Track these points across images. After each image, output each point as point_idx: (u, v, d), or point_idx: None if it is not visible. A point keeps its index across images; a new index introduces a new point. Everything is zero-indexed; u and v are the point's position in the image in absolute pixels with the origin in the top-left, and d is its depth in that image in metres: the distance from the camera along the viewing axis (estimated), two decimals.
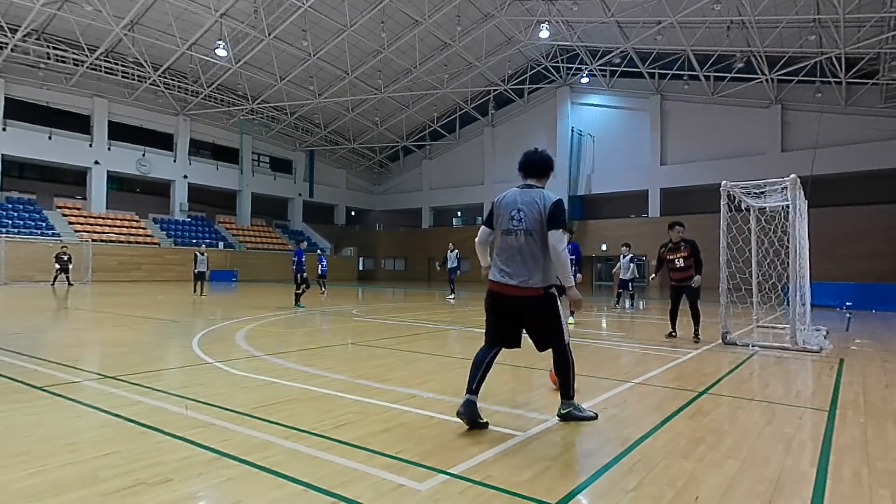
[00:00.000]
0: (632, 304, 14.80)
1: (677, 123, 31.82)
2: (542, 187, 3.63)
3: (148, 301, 14.74)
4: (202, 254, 18.18)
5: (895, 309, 14.56)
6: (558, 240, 3.36)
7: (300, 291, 13.79)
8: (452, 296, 17.62)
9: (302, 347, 7.04)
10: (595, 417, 3.67)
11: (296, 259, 13.94)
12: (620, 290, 14.96)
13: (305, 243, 15.65)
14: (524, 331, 3.60)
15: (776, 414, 3.98)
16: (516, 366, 5.86)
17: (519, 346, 3.63)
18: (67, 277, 21.92)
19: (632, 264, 14.67)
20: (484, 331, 3.65)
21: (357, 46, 29.99)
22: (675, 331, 8.35)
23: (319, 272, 18.47)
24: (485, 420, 3.45)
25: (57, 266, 21.75)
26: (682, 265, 8.20)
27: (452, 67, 33.22)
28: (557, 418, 3.62)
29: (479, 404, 4.06)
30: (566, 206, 4.03)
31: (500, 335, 3.59)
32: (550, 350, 3.65)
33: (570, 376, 3.65)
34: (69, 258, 22.12)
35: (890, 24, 21.57)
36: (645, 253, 32.59)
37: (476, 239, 3.79)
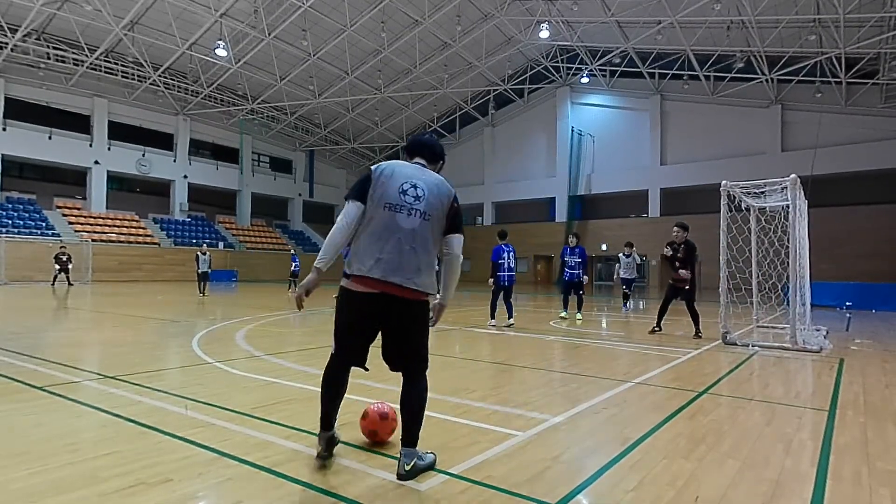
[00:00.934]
0: (625, 305, 14.23)
1: (677, 123, 31.83)
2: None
3: (148, 301, 14.74)
4: (204, 254, 18.13)
5: (895, 309, 14.56)
6: (460, 247, 2.79)
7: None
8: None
9: (301, 347, 7.04)
10: (435, 459, 2.78)
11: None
12: (627, 291, 14.42)
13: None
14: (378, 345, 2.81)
15: (776, 414, 3.98)
16: (516, 366, 5.85)
17: (366, 367, 2.81)
18: (67, 277, 21.87)
19: (639, 262, 14.52)
20: (335, 343, 2.79)
21: (357, 46, 29.98)
22: (659, 327, 8.77)
23: (292, 270, 18.87)
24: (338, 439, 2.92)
25: (56, 266, 21.72)
26: (678, 287, 8.59)
27: (452, 67, 33.21)
28: (398, 479, 2.58)
29: (480, 405, 4.07)
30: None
31: (357, 350, 2.76)
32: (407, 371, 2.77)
33: (422, 416, 2.72)
34: (68, 258, 22.08)
35: (890, 24, 21.56)
36: (645, 253, 32.59)
37: (342, 220, 2.68)
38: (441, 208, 2.72)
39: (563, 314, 11.26)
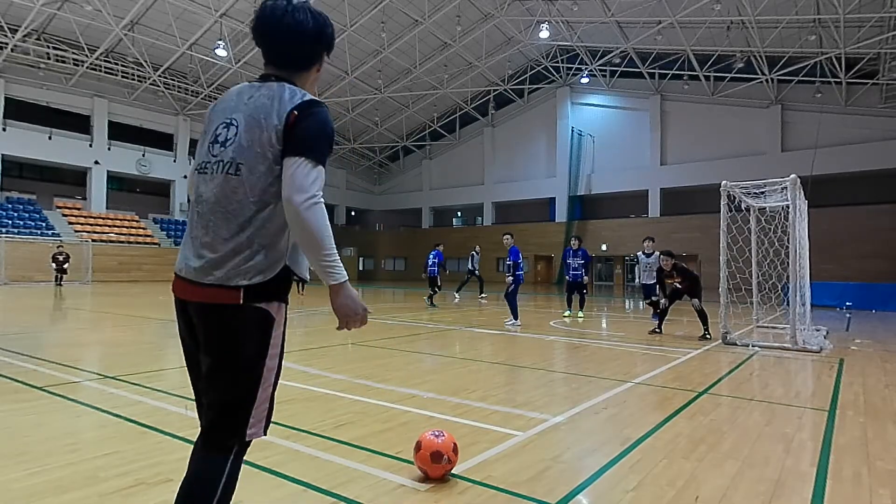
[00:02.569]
0: (655, 317, 10.11)
1: (677, 123, 31.84)
2: (295, 84, 1.70)
3: (148, 301, 14.73)
4: None
5: (895, 309, 14.56)
6: (299, 182, 1.52)
7: (433, 292, 14.55)
8: (457, 298, 16.95)
9: (302, 347, 7.03)
10: None
11: (435, 261, 14.59)
12: (655, 298, 10.10)
13: (442, 245, 15.64)
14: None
15: (776, 414, 3.98)
16: (516, 366, 5.85)
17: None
18: (61, 278, 21.74)
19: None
20: None
21: (357, 46, 29.98)
22: (659, 328, 8.76)
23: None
24: None
25: (53, 266, 21.60)
26: (680, 289, 8.67)
27: (452, 67, 33.22)
28: None
29: (480, 405, 4.07)
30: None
31: (196, 390, 1.90)
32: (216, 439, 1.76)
33: None
34: (66, 258, 21.93)
35: (890, 24, 21.57)
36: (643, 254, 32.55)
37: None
38: (262, 133, 1.58)
39: (566, 314, 11.56)
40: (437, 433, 2.63)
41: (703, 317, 8.22)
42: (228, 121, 1.67)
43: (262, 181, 1.57)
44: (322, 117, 1.61)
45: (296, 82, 1.70)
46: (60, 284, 21.74)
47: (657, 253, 10.73)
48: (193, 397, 1.90)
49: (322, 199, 1.55)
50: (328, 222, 1.56)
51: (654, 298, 10.56)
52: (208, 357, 1.66)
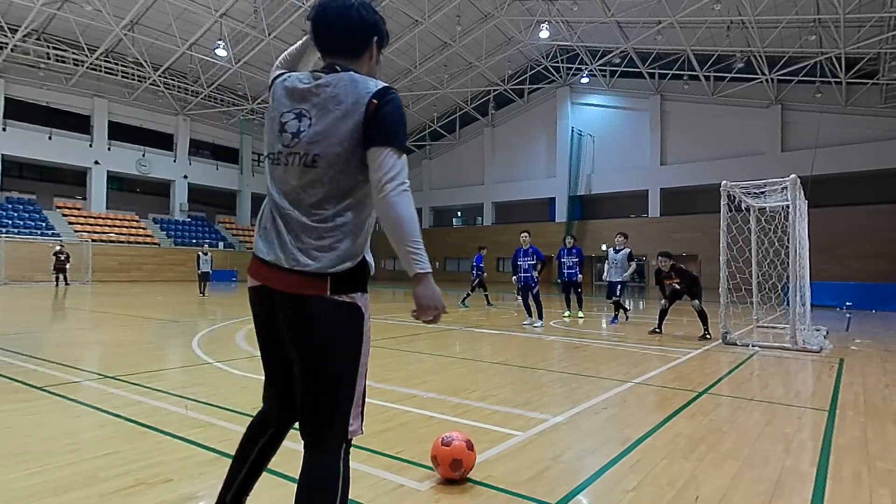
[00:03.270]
0: (615, 319, 10.71)
1: (677, 123, 31.83)
2: (358, 72, 1.71)
3: (148, 301, 14.73)
4: (205, 254, 17.95)
5: (895, 309, 14.56)
6: (390, 170, 1.54)
7: (470, 294, 14.84)
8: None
9: None
10: None
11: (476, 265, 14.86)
12: (617, 297, 10.67)
13: (486, 249, 15.63)
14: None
15: (776, 414, 3.98)
16: (516, 366, 5.85)
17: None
18: (65, 278, 21.44)
19: (632, 263, 10.83)
20: None
21: None
22: (659, 328, 8.76)
23: None
24: None
25: (53, 265, 21.32)
26: (679, 289, 8.69)
27: (452, 67, 33.22)
28: None
29: (480, 405, 4.07)
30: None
31: (272, 385, 1.84)
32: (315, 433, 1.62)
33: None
34: (66, 257, 21.69)
35: (890, 24, 21.57)
36: (645, 253, 32.60)
37: None
38: (345, 126, 1.57)
39: (566, 314, 11.55)
40: (446, 440, 2.58)
41: (703, 317, 8.23)
42: (298, 111, 1.66)
43: (342, 172, 1.58)
44: (398, 103, 1.63)
45: (357, 70, 1.72)
46: (67, 283, 21.39)
47: (627, 250, 10.92)
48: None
49: (409, 187, 1.57)
50: (415, 211, 1.57)
51: (616, 298, 10.64)
52: (299, 352, 1.62)
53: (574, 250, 11.38)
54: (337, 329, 1.58)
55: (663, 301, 8.77)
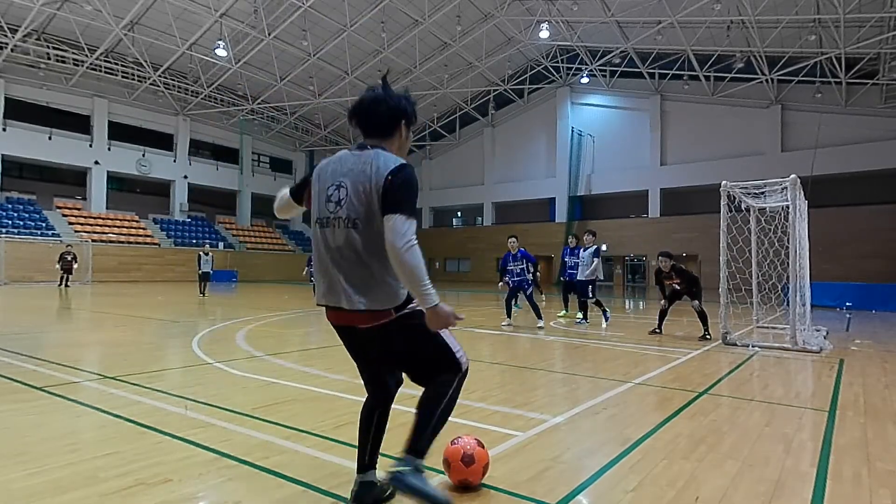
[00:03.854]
0: (585, 318, 10.44)
1: (677, 123, 31.84)
2: (386, 149, 2.17)
3: (148, 301, 14.73)
4: (206, 254, 17.79)
5: (895, 309, 14.56)
6: (399, 232, 1.96)
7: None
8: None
9: (302, 348, 7.04)
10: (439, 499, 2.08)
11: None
12: (591, 298, 10.49)
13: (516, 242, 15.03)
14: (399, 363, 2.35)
15: (776, 414, 3.98)
16: (516, 366, 5.85)
17: (394, 385, 2.54)
18: (67, 279, 21.18)
19: (596, 259, 10.46)
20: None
21: (357, 46, 29.98)
22: (659, 329, 8.75)
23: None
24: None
25: (59, 266, 21.11)
26: (679, 289, 8.67)
27: (452, 67, 33.22)
28: (385, 476, 2.22)
29: (480, 405, 4.07)
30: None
31: (367, 376, 2.49)
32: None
33: (437, 423, 2.19)
34: (73, 258, 21.47)
35: (890, 24, 21.57)
36: (645, 254, 32.61)
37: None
38: (368, 195, 2.03)
39: (561, 314, 11.47)
40: (453, 441, 2.62)
41: (703, 317, 8.22)
42: (338, 183, 2.13)
43: (376, 233, 2.04)
44: (407, 177, 2.06)
45: (387, 147, 2.18)
46: (67, 285, 21.12)
47: (594, 247, 10.61)
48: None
49: (416, 242, 1.98)
50: (422, 260, 1.99)
51: (589, 298, 10.44)
52: (396, 356, 2.27)
53: (577, 250, 11.21)
54: (410, 331, 2.18)
55: (663, 301, 8.77)
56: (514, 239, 10.10)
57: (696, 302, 8.35)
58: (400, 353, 2.23)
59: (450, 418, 2.21)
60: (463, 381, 2.26)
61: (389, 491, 2.35)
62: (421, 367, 2.24)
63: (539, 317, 9.65)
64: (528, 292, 9.82)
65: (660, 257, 8.67)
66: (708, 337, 8.02)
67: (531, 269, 9.97)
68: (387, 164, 2.06)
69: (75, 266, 21.71)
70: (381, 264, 2.07)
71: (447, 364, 2.22)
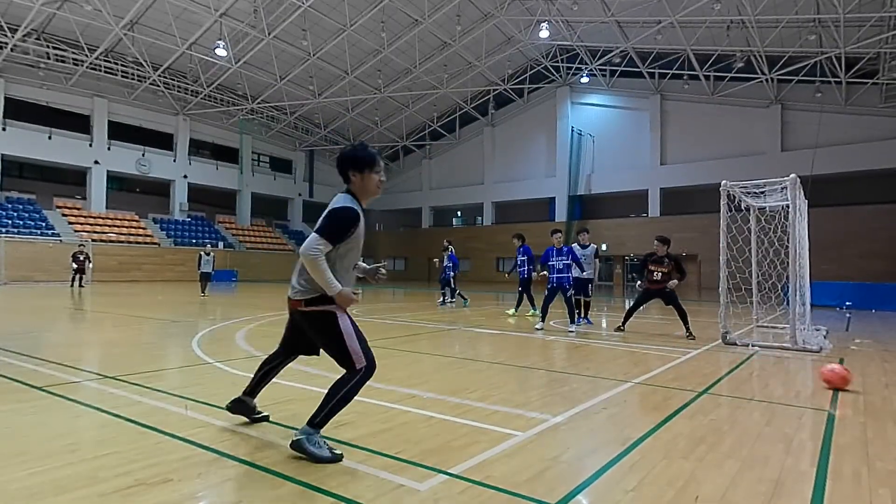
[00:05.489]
0: (585, 318, 10.31)
1: (677, 123, 31.83)
2: (346, 191, 3.09)
3: (148, 301, 14.73)
4: (207, 254, 17.56)
5: (895, 309, 14.56)
6: (306, 244, 2.86)
7: (445, 292, 14.75)
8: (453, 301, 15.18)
9: None
10: (336, 459, 2.82)
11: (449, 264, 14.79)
12: (589, 298, 10.43)
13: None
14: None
15: (776, 414, 3.98)
16: (516, 366, 5.85)
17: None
18: (81, 279, 20.79)
19: (596, 259, 10.61)
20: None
21: (357, 46, 29.98)
22: (623, 327, 8.93)
23: None
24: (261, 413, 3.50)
25: (74, 266, 20.70)
26: (660, 278, 8.61)
27: (452, 67, 33.21)
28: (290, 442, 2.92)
29: (480, 405, 4.08)
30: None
31: (283, 339, 3.51)
32: None
33: (334, 406, 2.95)
34: (86, 257, 21.13)
35: (890, 23, 21.57)
36: (643, 254, 32.51)
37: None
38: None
39: (530, 313, 11.53)
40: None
41: (683, 315, 8.33)
42: None
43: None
44: (333, 211, 2.94)
45: (351, 188, 3.09)
46: (82, 286, 20.68)
47: (593, 245, 10.67)
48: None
49: (319, 255, 2.83)
50: (322, 265, 2.85)
51: (588, 297, 10.33)
52: (318, 342, 3.23)
53: (564, 249, 11.18)
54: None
55: (640, 282, 8.80)
56: (559, 233, 9.62)
57: (673, 282, 8.38)
58: (319, 342, 3.15)
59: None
60: (363, 380, 2.98)
61: (260, 414, 3.47)
62: (334, 358, 3.04)
63: (572, 320, 9.11)
64: (569, 294, 9.23)
65: (656, 241, 8.65)
66: (691, 336, 8.10)
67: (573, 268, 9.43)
68: (333, 203, 3.00)
69: (89, 266, 21.45)
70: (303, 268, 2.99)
71: (348, 364, 2.97)
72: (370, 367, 2.99)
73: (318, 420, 2.91)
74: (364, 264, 3.35)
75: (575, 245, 10.42)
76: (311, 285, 2.92)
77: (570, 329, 8.96)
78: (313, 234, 2.85)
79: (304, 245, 2.83)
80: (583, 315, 10.35)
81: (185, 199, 34.39)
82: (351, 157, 3.06)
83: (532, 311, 11.62)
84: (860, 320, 11.61)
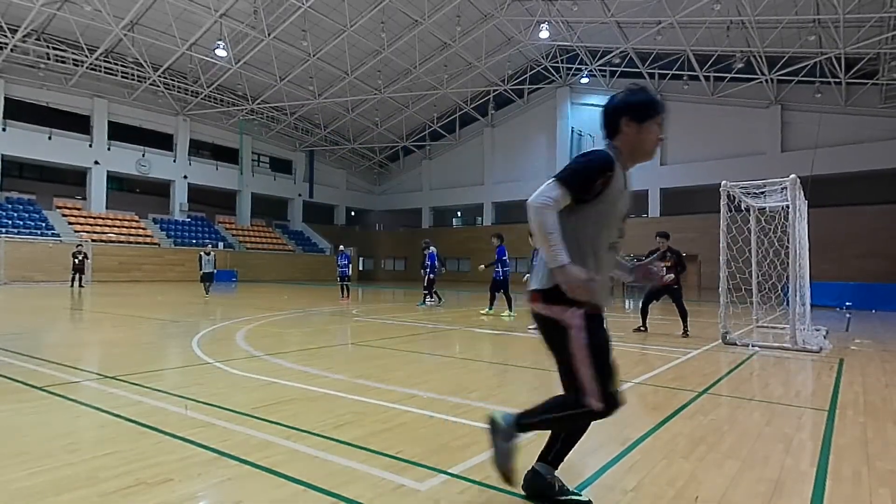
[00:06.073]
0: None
1: (677, 123, 31.78)
2: (613, 145, 2.36)
3: (148, 301, 14.73)
4: (208, 254, 17.39)
5: (895, 309, 14.56)
6: (539, 191, 2.25)
7: (427, 291, 14.76)
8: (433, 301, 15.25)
9: (301, 347, 7.04)
10: (506, 476, 2.33)
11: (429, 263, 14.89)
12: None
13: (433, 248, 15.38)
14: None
15: (776, 414, 3.98)
16: (516, 366, 5.85)
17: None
18: (81, 279, 20.71)
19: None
20: None
21: (357, 47, 29.99)
22: (644, 326, 8.85)
23: (340, 272, 17.38)
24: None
25: (74, 262, 20.59)
26: (664, 274, 8.47)
27: (452, 68, 33.22)
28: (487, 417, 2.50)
29: (480, 404, 4.07)
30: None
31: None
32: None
33: (542, 422, 2.42)
34: (84, 257, 21.05)
35: (890, 24, 21.58)
36: (644, 253, 32.43)
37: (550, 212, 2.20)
38: None
39: (505, 313, 11.51)
40: None
41: (683, 314, 8.34)
42: None
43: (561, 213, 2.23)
44: (581, 156, 2.24)
45: (616, 144, 2.34)
46: (81, 286, 20.50)
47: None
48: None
49: (551, 204, 2.16)
50: (553, 221, 2.14)
51: None
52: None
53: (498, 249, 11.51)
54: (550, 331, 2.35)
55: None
56: (661, 239, 8.82)
57: (671, 276, 8.39)
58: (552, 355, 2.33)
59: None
60: (587, 418, 2.28)
61: (558, 488, 2.38)
62: (560, 371, 2.34)
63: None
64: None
65: (658, 237, 8.66)
66: (687, 335, 8.13)
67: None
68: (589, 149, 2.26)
69: (87, 262, 21.22)
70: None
71: (574, 387, 2.25)
72: (606, 411, 2.20)
73: (525, 421, 2.40)
74: (628, 263, 2.56)
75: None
76: (548, 269, 2.13)
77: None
78: (550, 180, 2.19)
79: (535, 193, 2.15)
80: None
81: (185, 200, 34.38)
82: (632, 103, 2.28)
83: (508, 312, 11.57)
84: (860, 320, 11.61)
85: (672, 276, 8.41)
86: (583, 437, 3.40)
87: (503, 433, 2.35)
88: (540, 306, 2.22)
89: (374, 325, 9.67)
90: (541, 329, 2.28)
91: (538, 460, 2.39)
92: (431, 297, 15.08)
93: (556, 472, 2.36)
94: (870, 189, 26.55)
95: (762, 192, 8.23)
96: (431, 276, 14.91)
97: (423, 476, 2.66)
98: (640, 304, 9.03)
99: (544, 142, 36.62)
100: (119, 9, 24.62)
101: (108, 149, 30.86)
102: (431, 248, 15.12)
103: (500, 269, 11.84)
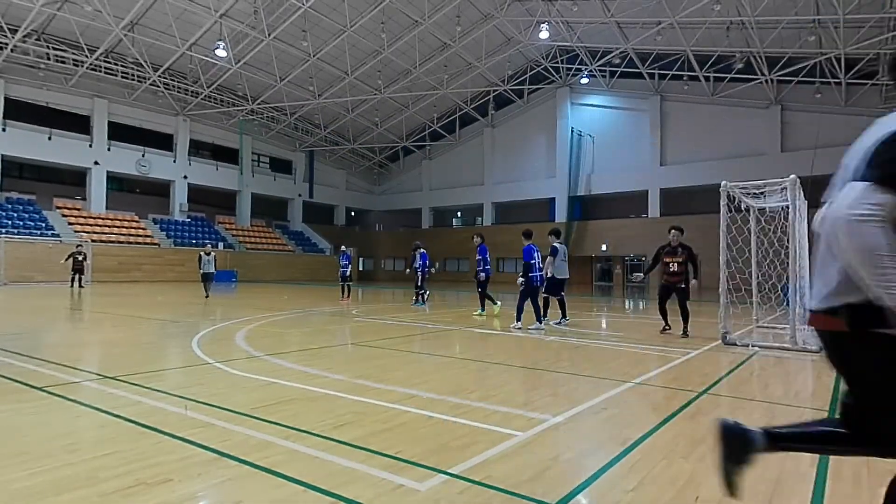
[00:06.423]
0: (564, 317, 10.13)
1: (677, 124, 31.84)
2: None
3: (148, 302, 14.73)
4: (208, 254, 17.29)
5: None
6: (846, 198, 1.44)
7: (422, 291, 14.78)
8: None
9: (302, 348, 7.04)
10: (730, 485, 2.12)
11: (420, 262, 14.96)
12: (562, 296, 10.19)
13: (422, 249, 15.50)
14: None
15: (776, 414, 3.98)
16: (515, 366, 5.85)
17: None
18: (80, 279, 20.56)
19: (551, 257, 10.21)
20: None
21: (357, 47, 29.99)
22: (668, 325, 8.82)
23: (341, 272, 17.40)
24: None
25: (71, 264, 20.47)
26: (676, 269, 8.59)
27: (452, 68, 33.23)
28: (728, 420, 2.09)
29: (480, 404, 4.08)
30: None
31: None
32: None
33: (795, 445, 2.03)
34: (84, 257, 20.93)
35: (890, 24, 21.59)
36: (645, 254, 32.60)
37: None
38: (855, 170, 1.53)
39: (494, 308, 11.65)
40: None
41: (685, 314, 8.31)
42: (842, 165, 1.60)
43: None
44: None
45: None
46: (81, 286, 20.33)
47: (564, 246, 10.55)
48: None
49: (874, 216, 1.39)
50: (881, 239, 1.38)
51: (562, 295, 10.18)
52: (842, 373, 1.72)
53: (480, 248, 11.48)
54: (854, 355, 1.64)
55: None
56: (676, 232, 8.70)
57: (695, 281, 8.38)
58: (842, 373, 1.71)
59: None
60: (878, 454, 1.71)
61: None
62: (856, 401, 1.71)
63: (538, 319, 9.45)
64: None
65: (672, 231, 8.62)
66: (686, 336, 8.13)
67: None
68: (890, 125, 1.45)
69: (86, 264, 21.18)
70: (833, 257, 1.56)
71: (886, 429, 1.61)
72: None
73: (777, 434, 1.97)
74: None
75: (556, 245, 10.34)
76: (847, 284, 1.52)
77: (526, 326, 9.28)
78: (858, 182, 1.44)
79: (836, 203, 1.47)
80: (554, 315, 10.37)
81: (185, 200, 34.38)
82: None
83: (493, 306, 11.64)
84: None
85: (696, 282, 8.41)
86: (577, 437, 3.41)
87: (742, 439, 2.02)
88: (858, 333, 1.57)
89: (373, 326, 9.67)
90: (847, 356, 1.66)
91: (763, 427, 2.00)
92: (426, 294, 15.21)
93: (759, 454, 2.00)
94: None
95: (762, 193, 8.23)
96: (424, 273, 15.12)
97: (423, 476, 2.66)
98: (658, 305, 8.95)
99: (544, 142, 36.62)
100: (119, 9, 24.62)
101: (108, 149, 30.86)
102: (422, 249, 15.36)
103: (481, 268, 11.85)
